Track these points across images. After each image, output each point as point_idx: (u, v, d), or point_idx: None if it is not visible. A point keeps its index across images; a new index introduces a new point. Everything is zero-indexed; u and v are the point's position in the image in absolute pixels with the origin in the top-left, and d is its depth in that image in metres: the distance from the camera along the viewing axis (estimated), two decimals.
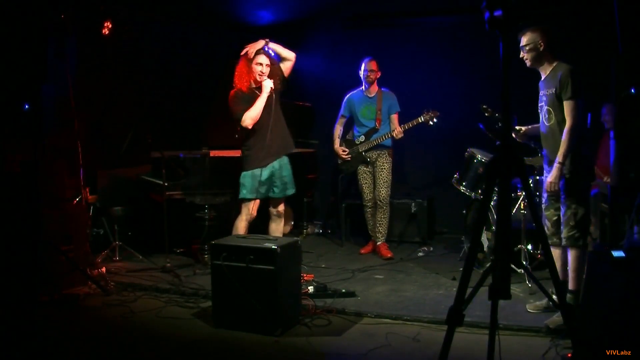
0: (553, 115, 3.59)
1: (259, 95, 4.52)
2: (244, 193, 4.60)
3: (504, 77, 2.11)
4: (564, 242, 3.59)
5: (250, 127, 4.49)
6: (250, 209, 4.63)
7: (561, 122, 3.55)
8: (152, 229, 5.58)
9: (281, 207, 4.79)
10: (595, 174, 4.15)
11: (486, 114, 4.14)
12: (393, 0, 6.80)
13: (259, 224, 4.87)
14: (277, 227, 4.81)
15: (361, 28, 7.00)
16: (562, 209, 3.60)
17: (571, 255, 3.57)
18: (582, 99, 3.49)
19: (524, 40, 3.62)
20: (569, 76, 3.48)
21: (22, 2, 4.51)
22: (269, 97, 4.53)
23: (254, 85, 4.58)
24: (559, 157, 3.51)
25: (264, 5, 6.45)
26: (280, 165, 4.67)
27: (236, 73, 4.60)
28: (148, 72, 6.09)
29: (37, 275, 4.23)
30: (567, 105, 3.49)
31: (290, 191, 4.76)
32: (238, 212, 4.72)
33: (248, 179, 4.58)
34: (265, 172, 4.59)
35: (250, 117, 4.47)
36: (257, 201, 4.67)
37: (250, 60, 4.54)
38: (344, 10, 6.99)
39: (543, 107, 3.69)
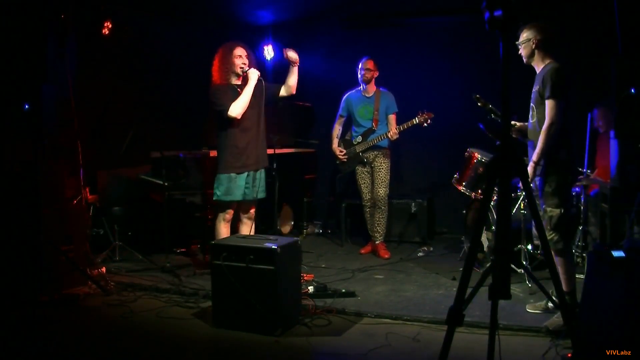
0: (535, 113, 3.60)
1: (241, 91, 4.42)
2: (217, 195, 4.47)
3: (504, 77, 2.11)
4: None
5: (239, 117, 4.35)
6: (227, 212, 4.52)
7: (541, 120, 3.54)
8: (152, 229, 5.58)
9: (253, 210, 4.67)
10: (576, 178, 4.13)
11: (479, 104, 4.12)
12: (393, 0, 6.80)
13: (259, 224, 4.86)
14: (248, 230, 4.67)
15: (361, 28, 7.00)
16: (541, 212, 3.57)
17: (557, 258, 3.56)
18: (563, 100, 3.45)
19: (521, 36, 3.64)
20: (552, 75, 3.45)
21: (22, 2, 4.50)
22: (255, 99, 4.45)
23: (233, 81, 4.50)
24: (534, 157, 3.50)
25: (264, 5, 6.45)
26: (256, 174, 4.57)
27: (214, 70, 4.50)
28: (148, 72, 6.09)
29: (37, 275, 4.23)
30: (547, 104, 3.47)
31: (263, 194, 4.65)
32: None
33: (225, 180, 4.45)
34: (241, 178, 4.48)
35: (240, 106, 4.34)
36: (235, 203, 4.55)
37: (227, 55, 4.45)
38: (343, 10, 7.00)
39: (530, 105, 3.70)
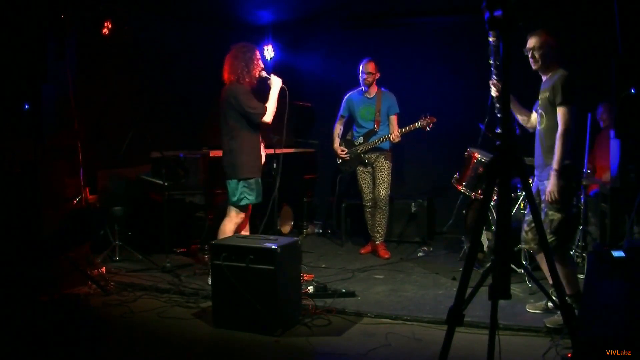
0: (544, 119, 3.60)
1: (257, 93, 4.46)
2: (251, 199, 4.44)
3: (504, 77, 2.11)
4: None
5: (270, 122, 4.42)
6: (243, 213, 4.53)
7: (552, 127, 3.53)
8: (152, 229, 5.58)
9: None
10: (579, 183, 4.13)
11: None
12: (393, 0, 6.80)
13: (259, 224, 4.86)
14: (247, 229, 4.70)
15: (361, 28, 7.01)
16: (542, 216, 3.56)
17: (556, 263, 3.55)
18: (574, 106, 3.46)
19: (536, 42, 3.55)
20: (562, 82, 3.45)
21: (22, 2, 4.51)
22: None
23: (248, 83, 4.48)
24: (555, 165, 3.46)
25: (264, 5, 6.45)
26: None
27: (233, 67, 4.39)
28: (148, 72, 6.10)
29: (37, 275, 4.23)
30: (559, 111, 3.48)
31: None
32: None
33: (256, 184, 4.45)
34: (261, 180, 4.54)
35: (272, 112, 4.41)
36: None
37: (253, 58, 4.42)
38: (343, 10, 7.00)
39: (538, 111, 3.70)
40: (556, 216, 3.52)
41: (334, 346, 3.41)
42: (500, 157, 2.13)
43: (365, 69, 5.52)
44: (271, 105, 4.41)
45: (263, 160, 4.60)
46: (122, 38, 5.65)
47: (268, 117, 4.39)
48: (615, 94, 3.63)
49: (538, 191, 3.66)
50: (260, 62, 4.48)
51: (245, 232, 4.68)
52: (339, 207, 6.45)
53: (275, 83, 4.45)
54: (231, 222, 4.52)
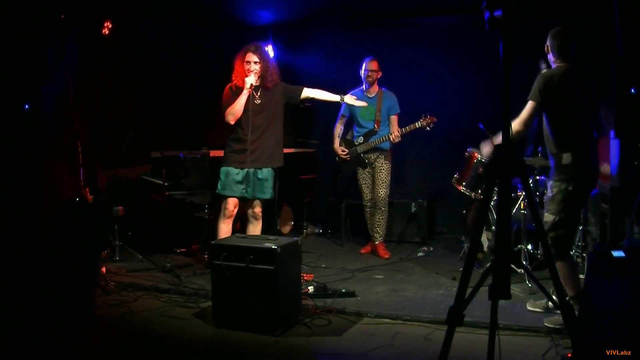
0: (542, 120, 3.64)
1: (256, 93, 4.57)
2: (219, 188, 4.63)
3: (504, 77, 2.11)
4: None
5: (232, 122, 4.53)
6: (227, 207, 4.61)
7: (545, 125, 3.58)
8: (152, 229, 5.58)
9: (258, 209, 4.71)
10: (587, 186, 4.08)
11: None
12: (393, 0, 6.80)
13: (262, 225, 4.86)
14: (254, 229, 4.73)
15: (361, 28, 7.00)
16: None
17: (556, 263, 3.56)
18: (535, 102, 3.47)
19: (548, 39, 3.67)
20: (536, 79, 3.51)
21: (22, 2, 4.50)
22: (266, 102, 4.57)
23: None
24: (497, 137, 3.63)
25: (264, 5, 6.45)
26: (261, 173, 4.62)
27: (233, 71, 4.65)
28: (148, 72, 6.09)
29: (37, 276, 4.22)
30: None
31: (266, 195, 4.68)
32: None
33: (223, 175, 4.60)
34: (238, 174, 4.57)
35: (231, 112, 4.51)
36: (235, 200, 4.62)
37: (241, 61, 4.58)
38: (344, 10, 6.99)
39: None
40: (549, 218, 3.52)
41: (334, 346, 3.41)
42: (500, 157, 2.13)
43: (369, 66, 5.53)
44: (233, 106, 4.50)
45: (263, 157, 4.61)
46: (122, 38, 5.64)
47: (227, 117, 4.53)
48: (615, 94, 3.62)
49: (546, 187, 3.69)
50: (247, 64, 4.52)
51: (256, 230, 4.73)
52: (339, 207, 6.45)
53: (245, 85, 4.49)
54: (219, 218, 4.66)
